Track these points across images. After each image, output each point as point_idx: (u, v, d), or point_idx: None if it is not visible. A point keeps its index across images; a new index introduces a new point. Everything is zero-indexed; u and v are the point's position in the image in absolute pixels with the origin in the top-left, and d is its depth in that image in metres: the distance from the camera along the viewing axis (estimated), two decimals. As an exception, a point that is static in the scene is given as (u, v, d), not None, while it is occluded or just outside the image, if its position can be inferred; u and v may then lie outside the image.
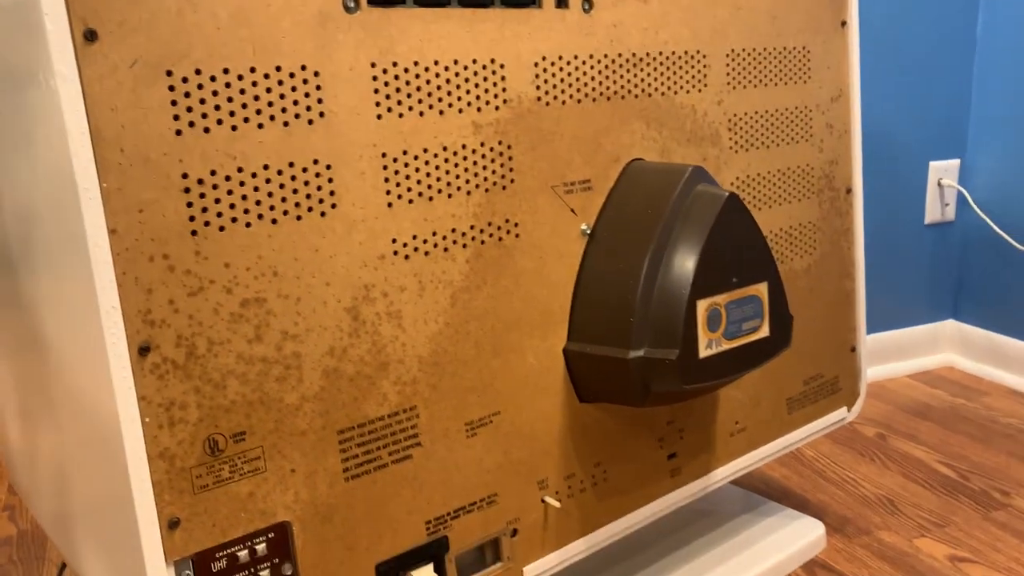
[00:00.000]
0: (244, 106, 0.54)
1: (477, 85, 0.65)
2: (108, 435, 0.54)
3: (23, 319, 0.71)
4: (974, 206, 1.57)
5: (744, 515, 1.06)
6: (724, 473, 0.89)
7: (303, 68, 0.57)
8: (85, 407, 0.58)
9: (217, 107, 0.53)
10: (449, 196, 0.65)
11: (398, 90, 0.61)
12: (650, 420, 0.81)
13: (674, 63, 0.78)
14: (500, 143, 0.67)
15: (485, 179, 0.67)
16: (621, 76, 0.74)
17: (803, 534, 1.02)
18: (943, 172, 1.57)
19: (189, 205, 0.53)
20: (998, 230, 1.54)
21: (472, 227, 0.66)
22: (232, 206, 0.55)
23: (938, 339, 1.66)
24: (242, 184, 0.55)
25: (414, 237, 0.63)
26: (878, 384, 1.59)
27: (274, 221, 0.56)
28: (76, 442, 0.63)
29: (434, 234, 0.64)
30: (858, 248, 1.00)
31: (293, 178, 0.57)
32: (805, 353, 0.96)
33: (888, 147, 1.52)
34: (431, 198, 0.64)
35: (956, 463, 1.26)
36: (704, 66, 0.81)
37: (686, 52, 0.79)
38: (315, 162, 0.58)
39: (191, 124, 0.53)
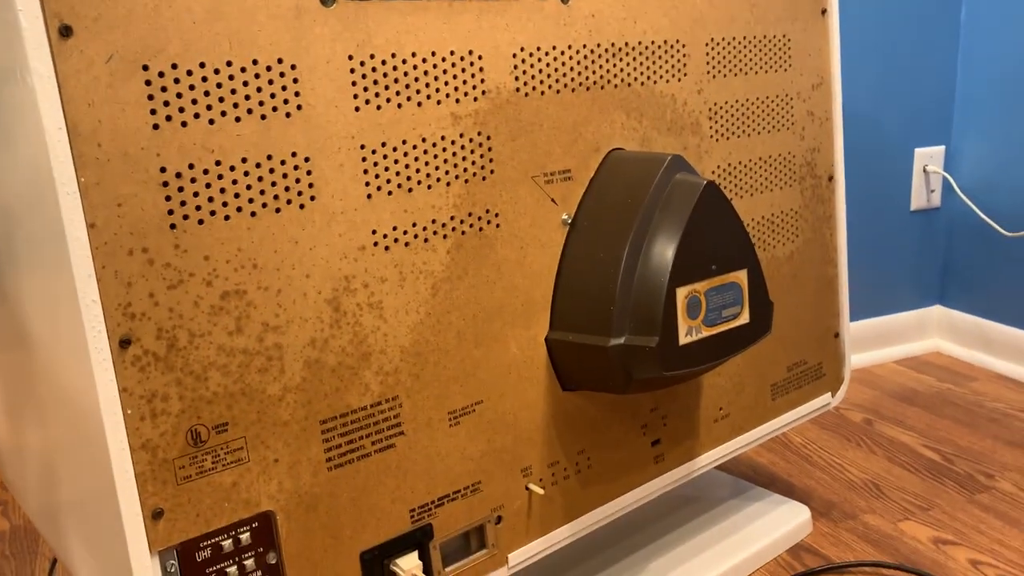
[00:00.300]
0: (221, 100, 0.55)
1: (455, 76, 0.66)
2: (91, 428, 0.54)
3: (7, 316, 0.71)
4: (959, 192, 1.58)
5: (730, 500, 1.07)
6: (708, 459, 0.90)
7: (280, 61, 0.57)
8: (68, 401, 0.59)
9: (194, 101, 0.54)
10: (429, 187, 0.65)
11: (376, 82, 0.62)
12: (633, 407, 0.82)
13: (653, 52, 0.79)
14: (479, 134, 0.68)
15: (465, 170, 0.67)
16: (600, 66, 0.75)
17: (789, 519, 1.03)
18: (928, 159, 1.58)
19: (168, 199, 0.53)
20: (984, 216, 1.55)
21: (452, 218, 0.67)
22: (211, 199, 0.55)
23: (925, 325, 1.67)
24: (220, 177, 0.55)
25: (394, 228, 0.64)
26: (865, 370, 1.60)
27: (253, 214, 0.57)
28: (61, 436, 0.64)
29: (414, 225, 0.65)
30: (840, 235, 1.01)
31: (271, 171, 0.57)
32: (788, 339, 0.97)
33: (873, 134, 1.53)
34: (411, 189, 0.64)
35: (942, 447, 1.28)
36: (683, 55, 0.81)
37: (665, 41, 0.79)
38: (293, 155, 0.58)
39: (168, 118, 0.53)
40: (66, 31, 0.49)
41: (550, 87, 0.72)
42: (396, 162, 0.63)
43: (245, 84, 0.56)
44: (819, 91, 0.96)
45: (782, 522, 1.02)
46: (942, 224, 1.63)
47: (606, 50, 0.75)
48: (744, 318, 0.76)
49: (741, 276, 0.75)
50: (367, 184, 0.62)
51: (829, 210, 0.99)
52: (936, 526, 1.06)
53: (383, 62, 0.62)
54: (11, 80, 0.53)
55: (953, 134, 1.59)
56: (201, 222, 0.55)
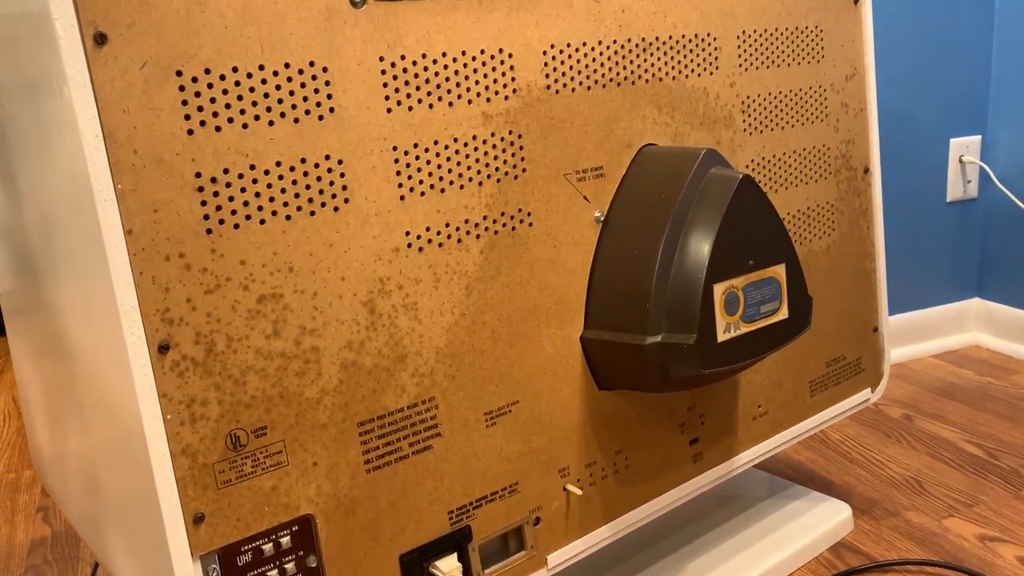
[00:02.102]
0: (254, 104, 0.55)
1: (486, 75, 0.65)
2: (131, 433, 0.55)
3: (47, 325, 0.72)
4: (997, 182, 1.55)
5: (770, 499, 1.05)
6: (747, 457, 0.88)
7: (311, 64, 0.57)
8: (109, 407, 0.59)
9: (227, 105, 0.54)
10: (461, 187, 0.65)
11: (407, 83, 0.61)
12: (670, 406, 0.81)
13: (684, 46, 0.78)
14: (511, 133, 0.67)
15: (496, 169, 0.67)
16: (631, 61, 0.74)
17: (830, 516, 1.01)
18: (964, 149, 1.55)
19: (203, 204, 0.54)
20: (1022, 205, 1.51)
21: (485, 217, 0.66)
22: (246, 203, 0.55)
23: (963, 318, 1.64)
24: (255, 181, 0.55)
25: (427, 229, 0.63)
26: (903, 365, 1.57)
27: (288, 217, 0.57)
28: (102, 442, 0.64)
29: (447, 225, 0.64)
30: (878, 228, 0.99)
31: (305, 174, 0.57)
32: (827, 335, 0.95)
33: (907, 125, 1.51)
34: (443, 190, 0.64)
35: (984, 442, 1.25)
36: (715, 48, 0.80)
37: (696, 35, 0.78)
38: (327, 157, 0.58)
39: (202, 123, 0.53)
40: (101, 39, 0.49)
41: (581, 84, 0.71)
42: (428, 163, 0.63)
43: (278, 88, 0.56)
44: (853, 82, 0.95)
45: (823, 520, 1.01)
46: (979, 215, 1.60)
47: (636, 45, 0.74)
48: (783, 313, 0.74)
49: (779, 271, 0.74)
50: (400, 185, 0.62)
51: (865, 203, 0.98)
52: (982, 523, 1.04)
53: (414, 63, 0.62)
54: (46, 93, 0.53)
55: (989, 123, 1.56)
56: (237, 226, 0.55)
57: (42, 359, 0.79)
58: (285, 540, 0.58)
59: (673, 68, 0.77)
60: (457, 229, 0.65)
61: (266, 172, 0.56)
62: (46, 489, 1.16)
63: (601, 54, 0.72)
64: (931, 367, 1.55)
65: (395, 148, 0.61)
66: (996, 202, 1.58)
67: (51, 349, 0.73)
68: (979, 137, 1.56)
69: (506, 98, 0.67)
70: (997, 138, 1.55)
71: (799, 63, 0.89)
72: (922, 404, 1.40)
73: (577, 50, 0.70)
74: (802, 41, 0.89)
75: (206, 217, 0.54)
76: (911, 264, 1.57)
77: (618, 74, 0.73)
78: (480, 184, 0.66)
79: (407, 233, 0.62)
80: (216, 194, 0.54)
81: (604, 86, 0.72)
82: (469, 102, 0.65)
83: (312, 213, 0.58)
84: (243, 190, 0.55)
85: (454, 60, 0.63)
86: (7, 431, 1.60)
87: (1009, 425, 1.30)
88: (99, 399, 0.61)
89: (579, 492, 0.73)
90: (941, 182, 1.56)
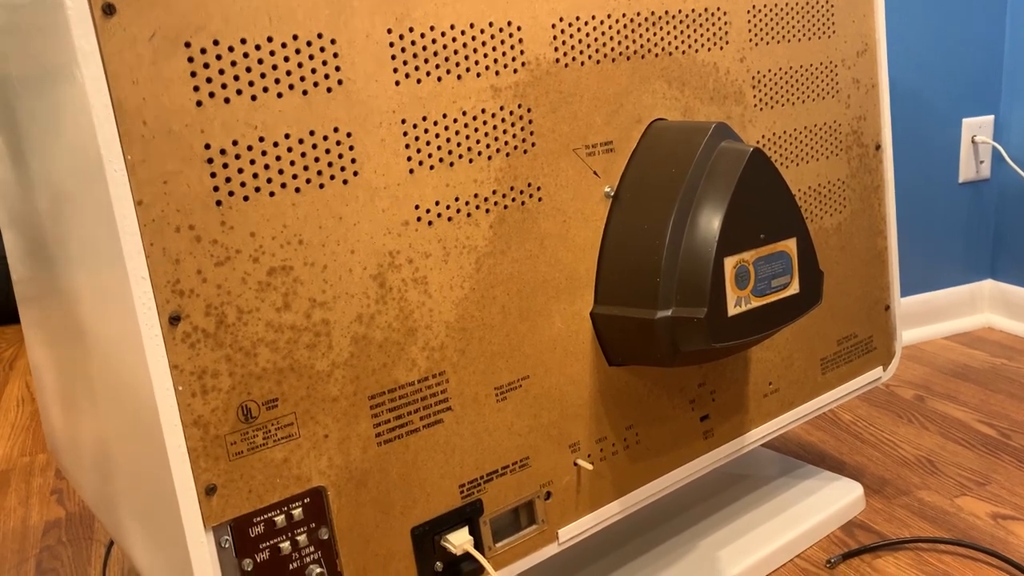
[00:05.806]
0: (263, 76, 0.55)
1: (494, 48, 0.65)
2: (143, 406, 0.55)
3: (60, 309, 0.72)
4: (1010, 162, 1.54)
5: (781, 478, 1.05)
6: (758, 434, 0.88)
7: (319, 36, 0.57)
8: (121, 381, 0.59)
9: (236, 77, 0.54)
10: (470, 161, 0.65)
11: (415, 55, 0.61)
12: (681, 382, 0.81)
13: (694, 20, 0.77)
14: (520, 106, 0.67)
15: (506, 143, 0.66)
16: (640, 35, 0.74)
17: (841, 495, 1.01)
18: (977, 129, 1.54)
19: (213, 175, 0.54)
20: (1036, 185, 1.50)
21: (495, 192, 0.66)
22: (255, 175, 0.55)
23: (976, 299, 1.63)
24: (264, 153, 0.55)
25: (437, 203, 0.63)
26: (915, 347, 1.56)
27: (297, 190, 0.57)
28: (115, 418, 0.65)
29: (457, 199, 0.64)
30: (889, 205, 0.99)
31: (314, 146, 0.57)
32: (838, 313, 0.95)
33: (919, 104, 1.49)
34: (452, 164, 0.64)
35: (997, 422, 1.24)
36: (725, 23, 0.80)
37: (706, 9, 0.78)
38: (335, 130, 0.58)
39: (211, 95, 0.53)
40: (109, 9, 0.49)
41: (590, 57, 0.71)
42: (437, 136, 0.63)
43: (286, 60, 0.56)
44: (864, 58, 0.94)
45: (834, 499, 1.01)
46: (992, 195, 1.59)
47: (646, 19, 0.74)
48: (794, 288, 0.74)
49: (790, 245, 0.73)
50: (409, 159, 0.62)
51: (877, 180, 0.97)
52: (995, 501, 1.03)
53: (422, 35, 0.61)
54: (56, 69, 0.53)
55: (1002, 103, 1.55)
56: (246, 199, 0.55)
57: (55, 343, 0.79)
58: (297, 512, 0.59)
59: (683, 42, 0.77)
60: (467, 203, 0.65)
61: (275, 144, 0.56)
62: (61, 470, 1.17)
63: (610, 27, 0.71)
64: (943, 348, 1.54)
65: (404, 121, 0.61)
66: (1009, 182, 1.56)
67: (64, 332, 0.74)
68: (992, 117, 1.55)
69: (515, 71, 0.66)
70: (1010, 118, 1.54)
71: (810, 38, 0.88)
72: (934, 385, 1.39)
73: (586, 23, 0.70)
74: (813, 16, 0.88)
75: (216, 189, 0.54)
76: (923, 245, 1.56)
77: (628, 48, 0.73)
78: (489, 158, 0.66)
79: (416, 207, 0.62)
80: (225, 166, 0.54)
81: (613, 60, 0.72)
82: (478, 75, 0.64)
83: (321, 186, 0.58)
84: (252, 162, 0.55)
85: (462, 33, 0.63)
86: (21, 416, 1.62)
87: (1022, 405, 1.29)
88: (112, 375, 0.62)
89: (590, 467, 0.73)
90: (954, 163, 1.55)
